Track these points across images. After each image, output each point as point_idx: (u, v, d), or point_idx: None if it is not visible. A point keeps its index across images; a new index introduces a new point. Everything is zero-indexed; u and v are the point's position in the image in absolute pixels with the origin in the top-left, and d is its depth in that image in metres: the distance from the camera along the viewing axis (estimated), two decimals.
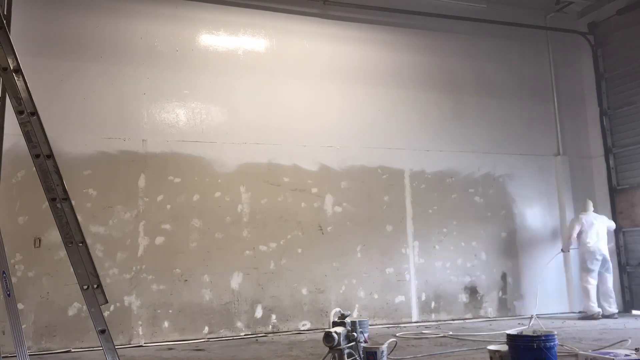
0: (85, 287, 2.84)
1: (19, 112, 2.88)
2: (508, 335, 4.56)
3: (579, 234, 8.61)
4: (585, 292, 8.42)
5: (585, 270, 8.51)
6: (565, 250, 8.88)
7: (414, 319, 8.28)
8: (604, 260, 8.48)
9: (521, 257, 9.09)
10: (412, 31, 9.10)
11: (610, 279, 8.53)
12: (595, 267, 8.44)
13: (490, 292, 8.78)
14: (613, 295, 8.47)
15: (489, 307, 8.72)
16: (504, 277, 8.92)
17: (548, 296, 9.06)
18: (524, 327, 6.88)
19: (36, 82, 6.36)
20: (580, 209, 8.93)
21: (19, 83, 2.90)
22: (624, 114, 9.47)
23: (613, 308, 8.40)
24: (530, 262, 9.09)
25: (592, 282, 8.41)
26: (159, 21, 7.78)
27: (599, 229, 8.57)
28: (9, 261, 3.69)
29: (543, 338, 4.35)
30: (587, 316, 8.30)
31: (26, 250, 6.67)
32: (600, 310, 8.30)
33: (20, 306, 6.34)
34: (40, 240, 6.74)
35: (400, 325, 8.02)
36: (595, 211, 8.86)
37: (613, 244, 9.13)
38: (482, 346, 5.71)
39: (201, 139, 7.68)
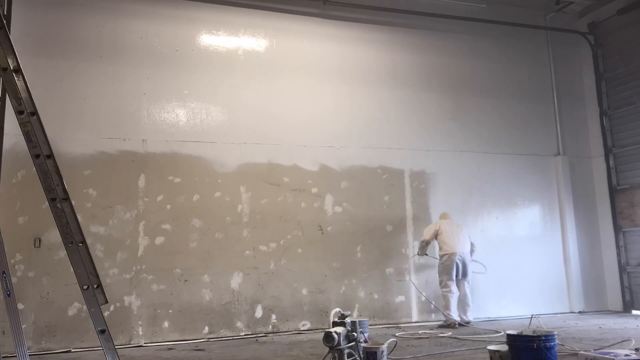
0: (85, 287, 2.84)
1: (19, 112, 2.88)
2: (508, 335, 4.57)
3: (437, 238, 8.06)
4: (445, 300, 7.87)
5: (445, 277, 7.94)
6: (420, 254, 8.23)
7: (414, 319, 8.28)
8: (464, 267, 7.95)
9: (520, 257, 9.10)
10: (412, 31, 9.10)
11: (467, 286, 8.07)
12: (454, 274, 7.89)
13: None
14: (470, 303, 7.99)
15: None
16: None
17: (547, 296, 9.09)
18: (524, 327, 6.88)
19: (36, 82, 6.38)
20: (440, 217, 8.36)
21: (19, 83, 2.89)
22: (624, 114, 9.47)
23: (469, 316, 7.92)
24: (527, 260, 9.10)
25: (454, 289, 7.86)
26: (159, 21, 7.78)
27: (460, 235, 8.04)
28: (9, 261, 3.68)
29: (543, 338, 4.35)
30: (444, 325, 7.75)
31: (26, 250, 6.67)
32: (458, 319, 7.77)
33: (20, 306, 6.34)
34: (40, 240, 6.74)
35: (400, 325, 8.02)
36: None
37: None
38: (482, 346, 5.72)
39: (201, 139, 7.68)
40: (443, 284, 7.92)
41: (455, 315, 7.77)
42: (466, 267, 7.98)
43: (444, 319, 7.85)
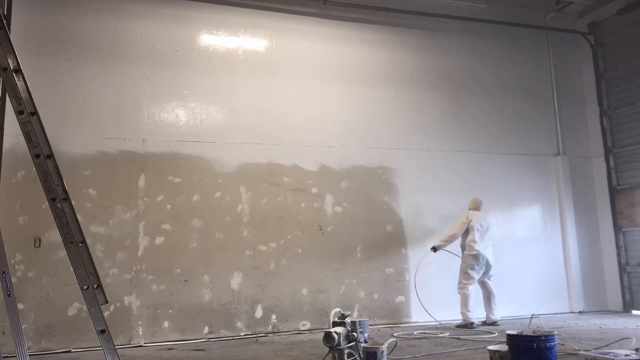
0: (85, 287, 2.84)
1: (19, 112, 2.88)
2: (508, 335, 4.56)
3: (465, 234, 7.91)
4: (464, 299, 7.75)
5: (465, 275, 7.83)
6: (437, 248, 7.97)
7: (414, 319, 8.28)
8: (487, 267, 7.88)
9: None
10: (412, 31, 9.10)
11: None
12: (478, 274, 7.83)
13: None
14: (496, 301, 7.89)
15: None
16: None
17: (547, 296, 9.09)
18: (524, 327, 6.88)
19: (36, 82, 6.34)
20: (470, 205, 8.17)
21: (19, 83, 2.89)
22: (624, 114, 9.47)
23: (495, 315, 7.84)
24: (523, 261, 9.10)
25: (471, 289, 7.78)
26: (158, 21, 7.78)
27: (488, 232, 7.95)
28: (9, 261, 3.68)
29: (543, 338, 4.35)
30: (461, 325, 7.63)
31: (26, 250, 6.67)
32: (474, 320, 7.63)
33: (20, 306, 6.34)
34: (40, 240, 6.74)
35: (400, 325, 8.02)
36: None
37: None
38: (482, 346, 5.72)
39: (201, 139, 7.68)
40: (462, 284, 7.83)
41: (471, 315, 7.65)
42: (489, 265, 7.89)
43: (462, 318, 7.74)
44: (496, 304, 7.94)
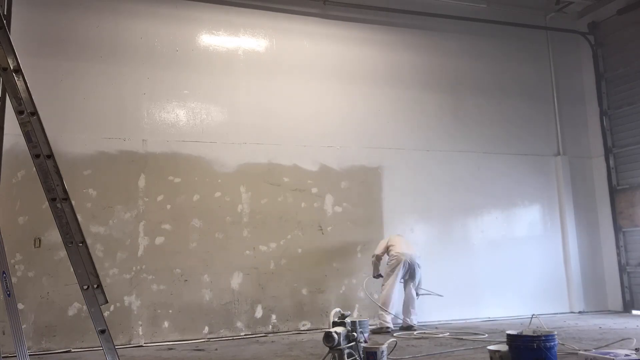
0: (85, 287, 2.84)
1: (19, 112, 2.88)
2: (508, 335, 4.57)
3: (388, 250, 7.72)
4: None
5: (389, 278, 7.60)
6: (375, 276, 7.79)
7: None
8: (411, 268, 7.66)
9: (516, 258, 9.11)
10: (412, 31, 9.10)
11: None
12: (400, 274, 7.61)
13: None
14: (415, 306, 7.68)
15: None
16: None
17: (547, 296, 9.09)
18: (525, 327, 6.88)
19: (36, 82, 6.34)
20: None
21: (19, 83, 2.90)
22: (624, 114, 9.47)
23: (413, 319, 7.59)
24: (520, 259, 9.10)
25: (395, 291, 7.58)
26: (158, 21, 7.78)
27: (410, 245, 7.83)
28: (9, 261, 3.68)
29: (543, 338, 4.36)
30: (376, 329, 7.41)
31: (26, 250, 6.67)
32: (391, 324, 7.42)
33: (20, 306, 6.34)
34: (40, 240, 6.74)
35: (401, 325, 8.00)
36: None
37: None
38: (482, 346, 5.72)
39: (201, 139, 7.68)
40: (384, 285, 7.59)
41: (389, 319, 7.41)
42: (414, 270, 7.63)
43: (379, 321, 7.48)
44: (415, 308, 7.68)
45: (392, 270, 7.58)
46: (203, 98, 7.80)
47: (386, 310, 7.45)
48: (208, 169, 7.64)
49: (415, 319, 7.64)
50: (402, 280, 7.74)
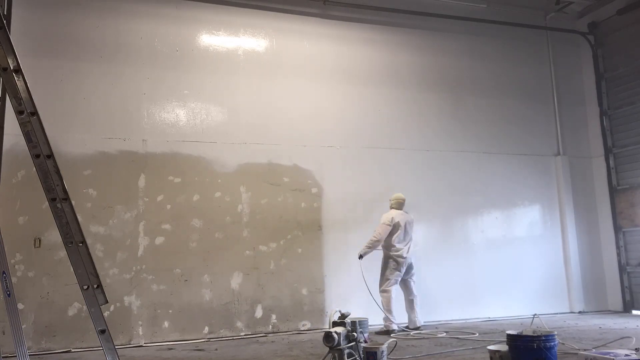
0: (85, 287, 2.84)
1: (19, 112, 2.88)
2: (508, 335, 4.57)
3: (390, 234, 7.48)
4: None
5: (387, 278, 7.48)
6: (363, 255, 7.49)
7: None
8: (409, 267, 7.57)
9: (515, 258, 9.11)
10: (411, 31, 9.10)
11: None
12: (399, 276, 7.49)
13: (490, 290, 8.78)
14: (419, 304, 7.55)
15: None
16: None
17: (547, 296, 9.09)
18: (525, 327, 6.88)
19: (36, 82, 6.37)
20: (392, 204, 7.70)
21: (19, 83, 2.89)
22: (624, 114, 9.46)
23: (420, 319, 7.47)
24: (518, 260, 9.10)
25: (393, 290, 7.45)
26: (159, 21, 7.78)
27: (410, 233, 7.60)
28: (9, 261, 3.68)
29: (543, 338, 4.36)
30: (382, 331, 7.25)
31: (26, 250, 6.67)
32: (396, 325, 7.30)
33: (20, 306, 6.34)
34: (40, 240, 6.74)
35: (400, 325, 7.99)
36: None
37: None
38: (482, 346, 5.72)
39: (201, 139, 7.68)
40: (383, 287, 7.48)
41: (394, 320, 7.33)
42: (411, 265, 7.56)
43: (384, 324, 7.38)
44: (419, 307, 7.55)
45: (392, 273, 7.47)
46: (203, 98, 7.81)
47: (392, 315, 7.34)
48: (208, 169, 7.64)
49: (422, 319, 7.52)
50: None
